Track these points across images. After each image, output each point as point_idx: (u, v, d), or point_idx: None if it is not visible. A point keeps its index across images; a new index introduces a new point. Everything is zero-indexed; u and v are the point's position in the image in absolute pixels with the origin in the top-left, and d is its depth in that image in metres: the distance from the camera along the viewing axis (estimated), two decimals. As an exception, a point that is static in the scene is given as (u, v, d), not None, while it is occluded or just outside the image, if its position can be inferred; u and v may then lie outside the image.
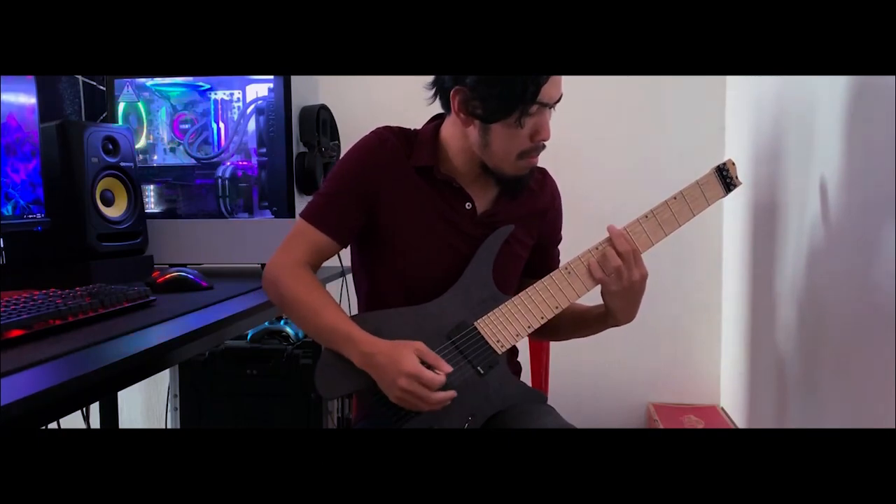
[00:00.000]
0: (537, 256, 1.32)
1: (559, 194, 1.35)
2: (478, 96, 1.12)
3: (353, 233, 1.24)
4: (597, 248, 1.19)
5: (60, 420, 1.03)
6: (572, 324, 1.30)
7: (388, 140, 1.22)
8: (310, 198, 1.35)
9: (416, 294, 1.20)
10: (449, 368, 1.12)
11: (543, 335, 1.39)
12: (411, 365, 1.08)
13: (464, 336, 1.18)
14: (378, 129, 1.24)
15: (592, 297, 1.29)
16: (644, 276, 1.17)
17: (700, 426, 2.19)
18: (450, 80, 1.15)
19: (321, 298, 1.18)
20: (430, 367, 1.10)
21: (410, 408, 1.12)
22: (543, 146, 1.18)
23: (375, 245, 1.23)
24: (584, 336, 1.31)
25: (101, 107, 1.97)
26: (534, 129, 1.14)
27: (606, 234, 1.19)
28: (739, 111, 2.20)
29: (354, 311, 1.33)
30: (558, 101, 1.15)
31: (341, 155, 1.89)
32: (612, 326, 1.24)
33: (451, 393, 1.11)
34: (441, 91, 1.19)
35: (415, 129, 1.26)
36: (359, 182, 1.20)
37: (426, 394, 1.08)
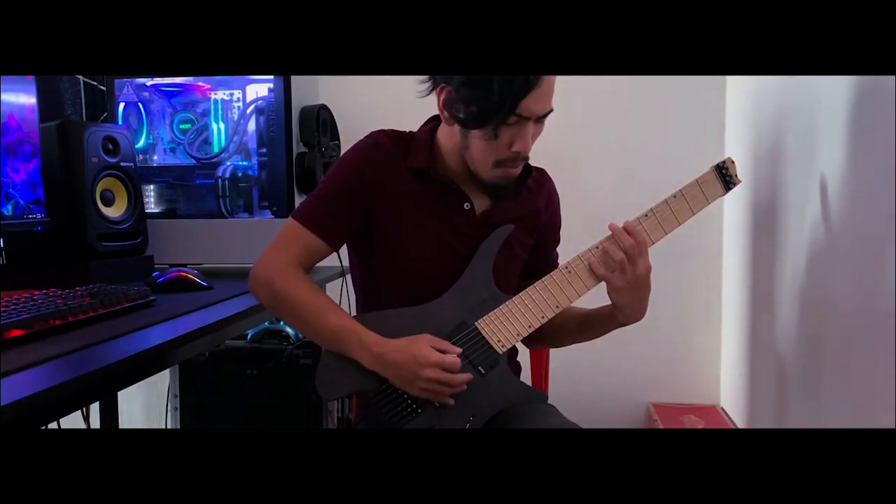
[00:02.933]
0: (535, 258, 1.31)
1: (557, 196, 1.35)
2: (460, 99, 1.11)
3: (346, 236, 1.23)
4: (597, 247, 1.19)
5: (60, 420, 1.03)
6: (579, 326, 1.29)
7: (383, 144, 1.22)
8: (310, 198, 1.35)
9: (415, 295, 1.20)
10: (458, 350, 1.14)
11: (549, 343, 1.38)
12: (433, 355, 1.11)
13: (464, 336, 1.18)
14: (373, 132, 1.24)
15: (596, 300, 1.29)
16: (648, 270, 1.17)
17: (700, 426, 2.19)
18: (440, 77, 1.15)
19: (324, 300, 1.17)
20: (442, 352, 1.12)
21: (434, 397, 1.13)
22: (524, 158, 1.17)
23: (373, 248, 1.23)
24: (591, 339, 1.30)
25: (101, 107, 1.98)
26: (511, 140, 1.12)
27: (607, 234, 1.19)
28: (739, 111, 2.20)
29: (354, 310, 1.33)
30: (545, 115, 1.13)
31: (341, 155, 1.89)
32: (622, 325, 1.22)
33: (468, 375, 1.14)
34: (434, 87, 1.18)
35: (411, 132, 1.26)
36: (353, 186, 1.20)
37: (451, 377, 1.11)
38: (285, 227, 1.21)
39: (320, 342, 1.19)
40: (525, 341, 1.33)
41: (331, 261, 1.27)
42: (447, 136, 1.21)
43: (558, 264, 1.33)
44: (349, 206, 1.20)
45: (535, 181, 1.30)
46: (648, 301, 1.20)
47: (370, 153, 1.21)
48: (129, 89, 1.88)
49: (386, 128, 1.25)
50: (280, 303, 1.18)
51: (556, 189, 1.35)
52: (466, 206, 1.23)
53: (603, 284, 1.20)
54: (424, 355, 1.10)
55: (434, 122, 1.26)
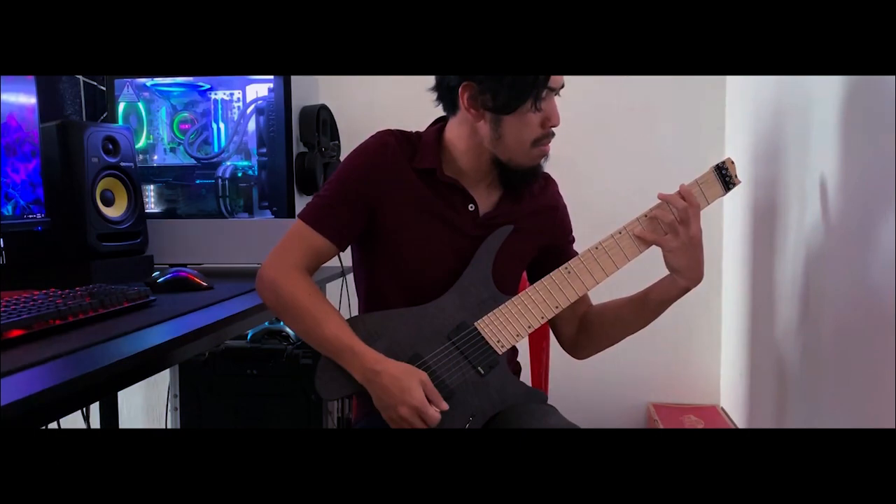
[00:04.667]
0: (553, 259, 1.28)
1: (561, 196, 1.35)
2: (488, 89, 1.13)
3: (353, 237, 1.23)
4: (618, 232, 1.19)
5: (60, 420, 1.03)
6: (636, 311, 1.26)
7: (389, 144, 1.22)
8: (310, 198, 1.35)
9: (417, 295, 1.20)
10: (446, 406, 1.12)
11: (607, 342, 1.32)
12: (418, 399, 1.09)
13: (464, 336, 1.18)
14: (379, 132, 1.24)
15: (598, 296, 1.29)
16: (701, 231, 1.18)
17: (700, 426, 2.19)
18: (455, 77, 1.16)
19: (323, 306, 1.17)
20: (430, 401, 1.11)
21: (399, 428, 1.12)
22: (553, 133, 1.19)
23: (377, 247, 1.23)
24: (651, 320, 1.26)
25: (101, 107, 1.98)
26: (545, 116, 1.16)
27: (604, 234, 1.20)
28: (739, 111, 2.20)
29: (355, 310, 1.33)
30: (562, 86, 1.17)
31: (341, 155, 1.89)
32: (684, 290, 1.20)
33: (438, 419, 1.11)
34: (446, 90, 1.19)
35: (417, 132, 1.26)
36: (360, 187, 1.20)
37: (420, 426, 1.10)
38: (293, 227, 1.22)
39: (316, 348, 1.19)
40: (577, 351, 1.34)
41: (331, 261, 1.27)
42: (461, 136, 1.21)
43: None
44: (356, 207, 1.20)
45: (540, 184, 1.30)
46: (703, 264, 1.19)
47: (377, 153, 1.21)
48: (129, 89, 1.88)
49: (386, 128, 1.25)
50: (282, 306, 1.19)
51: (559, 191, 1.35)
52: (471, 207, 1.23)
53: (602, 287, 1.20)
54: (412, 394, 1.09)
55: (441, 122, 1.26)
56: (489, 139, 1.18)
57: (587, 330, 1.32)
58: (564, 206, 1.35)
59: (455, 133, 1.22)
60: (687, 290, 1.21)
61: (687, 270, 1.19)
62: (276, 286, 1.18)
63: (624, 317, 1.28)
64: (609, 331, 1.30)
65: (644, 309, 1.26)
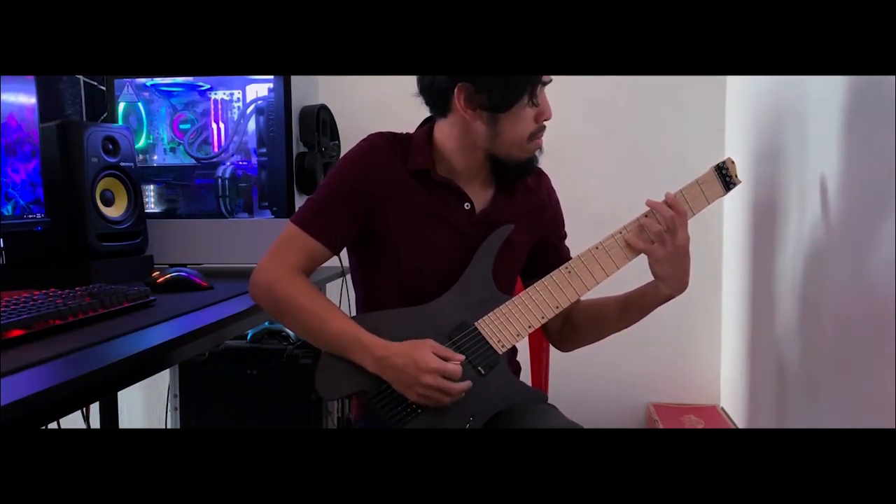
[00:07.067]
0: (546, 254, 1.31)
1: (555, 191, 1.35)
2: (483, 88, 1.13)
3: (346, 240, 1.24)
4: (619, 232, 1.19)
5: (60, 420, 1.03)
6: (619, 314, 1.27)
7: (381, 147, 1.22)
8: (310, 198, 1.35)
9: (415, 295, 1.20)
10: (461, 357, 1.14)
11: (590, 339, 1.33)
12: (433, 361, 1.11)
13: (464, 336, 1.18)
14: (371, 136, 1.24)
15: (599, 294, 1.29)
16: (688, 240, 1.18)
17: (700, 426, 2.19)
18: (446, 79, 1.15)
19: (324, 305, 1.17)
20: (444, 360, 1.12)
21: (432, 404, 1.13)
22: (545, 126, 1.20)
23: (373, 250, 1.23)
24: (632, 323, 1.27)
25: (101, 107, 1.97)
26: (539, 111, 1.17)
27: (605, 234, 1.20)
28: (739, 111, 2.20)
29: (354, 311, 1.33)
30: (551, 80, 1.18)
31: (341, 155, 1.89)
32: (667, 298, 1.21)
33: (468, 383, 1.14)
34: (438, 94, 1.18)
35: (408, 133, 1.26)
36: (352, 190, 1.20)
37: (450, 386, 1.11)
38: (285, 231, 1.21)
39: (322, 347, 1.19)
40: (561, 344, 1.35)
41: (331, 261, 1.27)
42: (451, 135, 1.21)
43: (570, 256, 1.33)
44: (349, 210, 1.20)
45: (534, 180, 1.30)
46: (689, 272, 1.20)
47: (369, 156, 1.21)
48: (129, 89, 1.88)
49: (386, 128, 1.25)
50: (281, 308, 1.18)
51: (552, 186, 1.35)
52: (467, 205, 1.23)
53: (602, 287, 1.20)
54: (426, 361, 1.11)
55: (430, 122, 1.26)
56: (486, 138, 1.18)
57: (572, 325, 1.32)
58: (558, 201, 1.35)
59: (445, 133, 1.22)
60: (670, 297, 1.21)
61: (672, 280, 1.19)
62: (273, 290, 1.17)
63: (607, 316, 1.29)
64: (593, 328, 1.31)
65: (626, 312, 1.27)
